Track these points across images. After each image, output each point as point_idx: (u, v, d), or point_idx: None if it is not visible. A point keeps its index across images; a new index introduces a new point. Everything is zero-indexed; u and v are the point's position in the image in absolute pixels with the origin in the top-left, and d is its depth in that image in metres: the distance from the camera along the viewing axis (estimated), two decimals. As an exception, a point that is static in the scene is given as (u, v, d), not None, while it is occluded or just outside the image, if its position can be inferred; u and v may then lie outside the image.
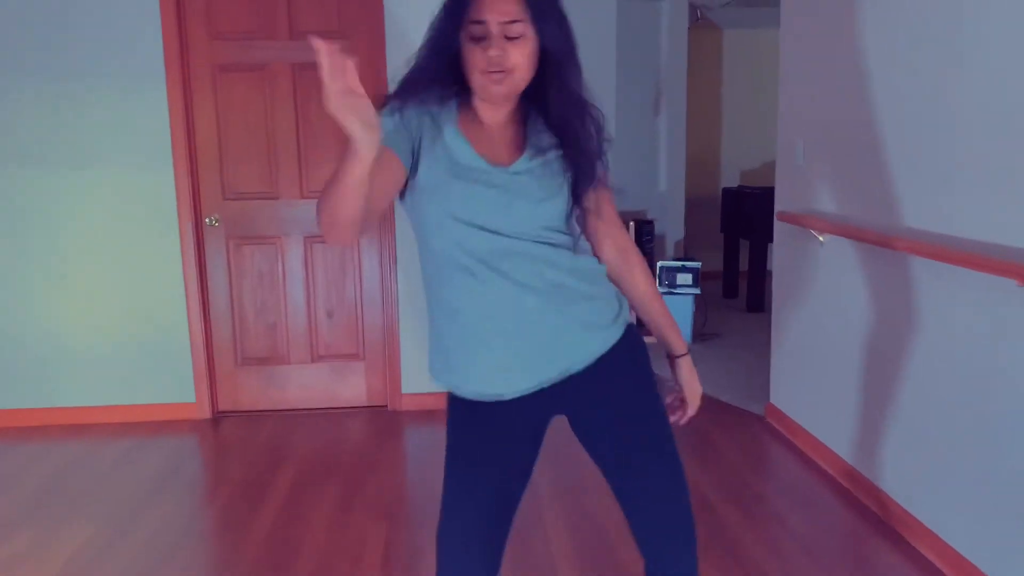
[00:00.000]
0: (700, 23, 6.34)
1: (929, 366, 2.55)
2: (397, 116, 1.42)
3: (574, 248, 1.51)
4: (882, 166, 2.77)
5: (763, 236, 5.80)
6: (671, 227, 5.95)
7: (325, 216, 1.26)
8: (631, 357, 1.57)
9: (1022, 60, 2.07)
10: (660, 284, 5.15)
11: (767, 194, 5.90)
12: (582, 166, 1.49)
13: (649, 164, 5.86)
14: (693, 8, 5.98)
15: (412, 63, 1.45)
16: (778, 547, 2.68)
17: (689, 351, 1.67)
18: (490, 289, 1.44)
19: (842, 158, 3.08)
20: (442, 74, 1.44)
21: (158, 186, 3.87)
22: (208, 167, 3.94)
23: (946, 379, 2.46)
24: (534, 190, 1.45)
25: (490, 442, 1.54)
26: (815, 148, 3.32)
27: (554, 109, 1.48)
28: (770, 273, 5.18)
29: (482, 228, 1.42)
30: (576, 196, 1.49)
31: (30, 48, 3.72)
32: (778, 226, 3.69)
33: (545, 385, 1.50)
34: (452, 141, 1.44)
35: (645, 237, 5.47)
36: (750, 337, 5.24)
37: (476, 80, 1.41)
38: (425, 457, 3.59)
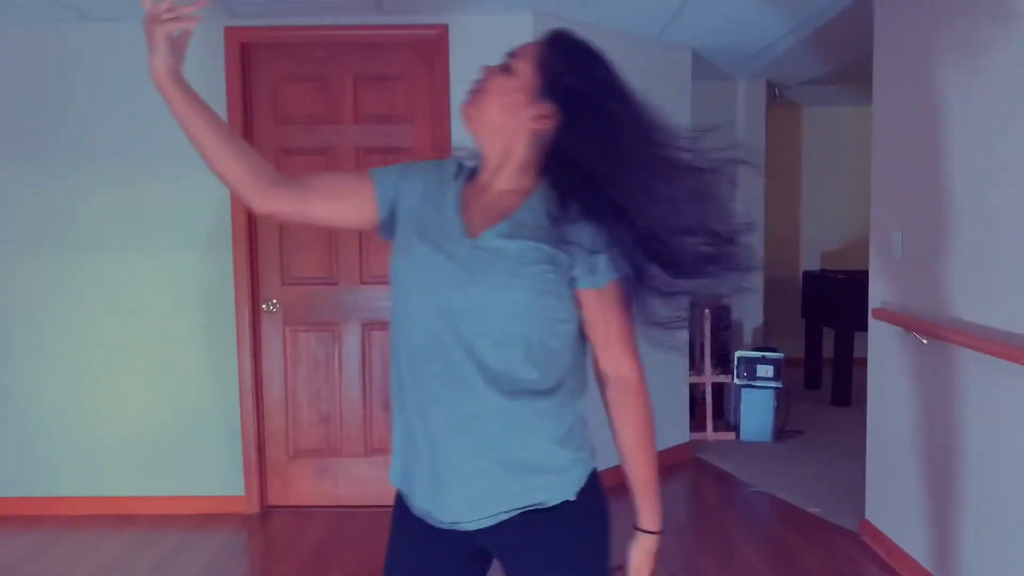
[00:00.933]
0: (780, 101, 6.11)
1: (1066, 501, 2.18)
2: (402, 169, 1.41)
3: (538, 386, 1.26)
4: (997, 265, 2.45)
5: (850, 324, 5.43)
6: (748, 312, 5.62)
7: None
8: (566, 533, 1.30)
9: None
10: (738, 376, 4.81)
11: (853, 279, 5.55)
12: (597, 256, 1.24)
13: (725, 247, 5.60)
14: (771, 87, 5.77)
15: None
16: None
17: (658, 533, 1.34)
18: (418, 393, 1.29)
19: (950, 253, 2.76)
20: None
21: (217, 270, 3.79)
22: (268, 251, 3.85)
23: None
24: (494, 273, 1.24)
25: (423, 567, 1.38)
26: (916, 240, 3.01)
27: (568, 177, 1.26)
28: (857, 363, 4.82)
29: (429, 303, 1.26)
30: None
31: (94, 132, 3.73)
32: (874, 323, 3.35)
33: (467, 528, 1.29)
34: (446, 199, 1.34)
35: (721, 324, 5.16)
36: (838, 436, 4.82)
37: None
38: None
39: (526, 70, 1.29)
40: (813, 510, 3.76)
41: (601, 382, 1.34)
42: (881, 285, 3.32)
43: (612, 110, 1.24)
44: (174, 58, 1.37)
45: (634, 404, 1.31)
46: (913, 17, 3.00)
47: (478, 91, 1.32)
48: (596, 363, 1.34)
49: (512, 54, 1.32)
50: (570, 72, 1.26)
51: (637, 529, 1.34)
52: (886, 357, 3.28)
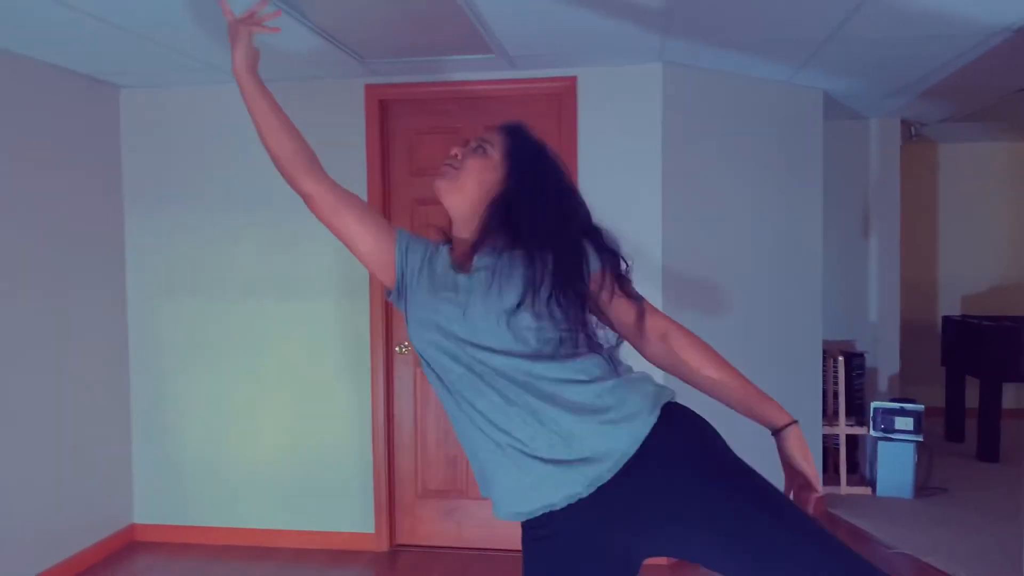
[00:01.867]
0: (915, 139, 5.87)
1: None
2: (411, 236, 1.72)
3: (557, 352, 1.49)
4: None
5: (997, 373, 5.11)
6: (884, 360, 5.36)
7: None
8: (684, 435, 1.50)
9: None
10: (875, 427, 4.59)
11: (1002, 326, 5.22)
12: (543, 257, 1.52)
13: (859, 290, 5.37)
14: (906, 125, 5.55)
15: None
16: None
17: (795, 421, 1.50)
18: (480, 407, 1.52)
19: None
20: None
21: (353, 315, 3.96)
22: (401, 297, 4.00)
23: None
24: (485, 284, 1.52)
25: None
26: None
27: (523, 224, 1.58)
28: (1005, 415, 4.50)
29: (455, 337, 1.52)
30: (536, 285, 1.48)
31: (242, 184, 3.99)
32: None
33: (584, 493, 1.45)
34: (440, 258, 1.66)
35: (855, 371, 4.95)
36: (986, 494, 4.52)
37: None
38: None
39: (495, 154, 1.64)
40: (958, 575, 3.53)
41: (654, 356, 1.59)
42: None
43: (545, 183, 1.64)
44: (253, 55, 1.72)
45: (688, 340, 1.56)
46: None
47: (458, 169, 1.64)
48: (641, 351, 1.60)
49: (483, 140, 1.66)
50: (526, 158, 1.65)
51: (777, 431, 1.51)
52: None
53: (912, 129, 5.64)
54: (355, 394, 3.98)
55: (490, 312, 1.49)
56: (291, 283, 4.00)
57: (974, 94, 4.59)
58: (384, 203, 3.95)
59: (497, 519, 1.59)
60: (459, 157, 1.66)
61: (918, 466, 4.60)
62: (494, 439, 1.49)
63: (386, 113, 3.95)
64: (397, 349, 4.01)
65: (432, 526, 4.03)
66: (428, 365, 1.60)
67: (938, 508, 4.40)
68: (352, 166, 3.92)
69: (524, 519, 1.54)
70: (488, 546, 3.96)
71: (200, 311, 4.07)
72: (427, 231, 3.88)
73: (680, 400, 1.57)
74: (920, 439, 4.54)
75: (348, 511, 4.01)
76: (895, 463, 4.54)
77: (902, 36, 3.35)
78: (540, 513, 1.50)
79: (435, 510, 4.03)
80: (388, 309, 3.98)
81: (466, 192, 1.62)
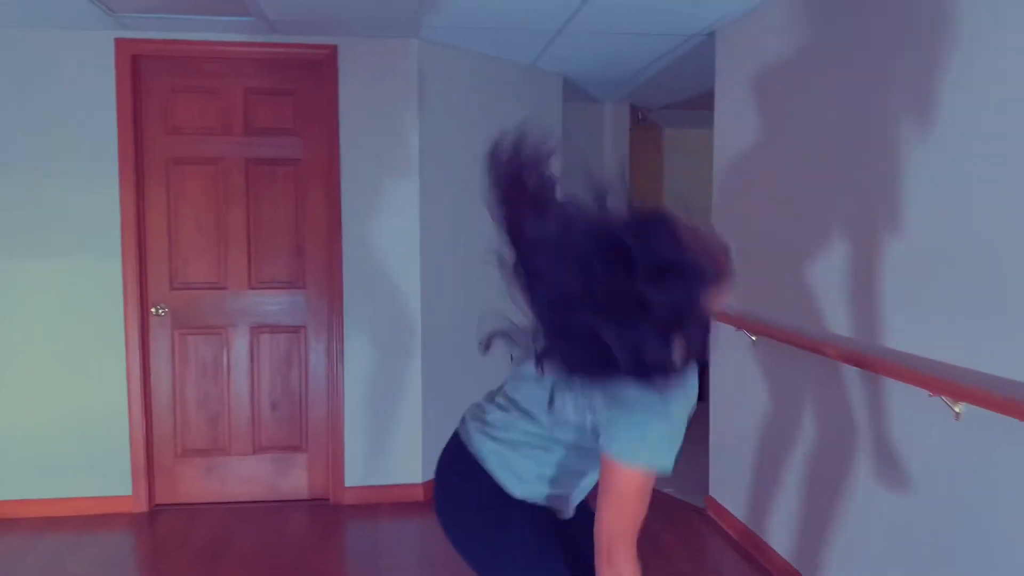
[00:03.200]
0: (641, 124, 6.65)
1: (853, 465, 2.67)
2: None
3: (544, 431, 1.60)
4: (806, 273, 2.95)
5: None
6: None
7: None
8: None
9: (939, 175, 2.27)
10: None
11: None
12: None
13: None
14: (634, 110, 6.29)
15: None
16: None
17: None
18: None
19: (771, 262, 3.26)
20: None
21: (106, 275, 3.87)
22: (157, 257, 3.96)
23: (866, 476, 2.58)
24: None
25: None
26: (746, 252, 3.50)
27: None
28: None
29: None
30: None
31: (-18, 138, 3.74)
32: (718, 324, 3.84)
33: None
34: None
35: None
36: (699, 429, 5.32)
37: None
38: (365, 549, 3.57)
39: None
40: (667, 491, 4.22)
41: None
42: (721, 291, 3.81)
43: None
44: None
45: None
46: (744, 60, 3.51)
47: None
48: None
49: None
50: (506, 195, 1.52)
51: None
52: (725, 354, 3.77)
53: (639, 114, 6.39)
54: (109, 357, 3.90)
55: None
56: (36, 242, 3.82)
57: (681, 87, 5.34)
58: (136, 162, 3.87)
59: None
60: None
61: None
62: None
63: (139, 69, 3.87)
64: (153, 311, 3.97)
65: (193, 484, 4.07)
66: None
67: (653, 440, 5.16)
68: (102, 123, 3.81)
69: None
70: (249, 499, 4.08)
71: (-78, 272, 3.76)
72: (183, 190, 3.87)
73: None
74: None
75: (103, 476, 3.93)
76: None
77: (620, 32, 3.88)
78: None
79: (196, 468, 4.07)
80: (143, 270, 3.93)
81: None
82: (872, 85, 2.56)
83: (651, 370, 1.29)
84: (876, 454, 2.54)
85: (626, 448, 1.41)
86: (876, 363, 2.43)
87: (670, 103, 6.28)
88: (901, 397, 2.40)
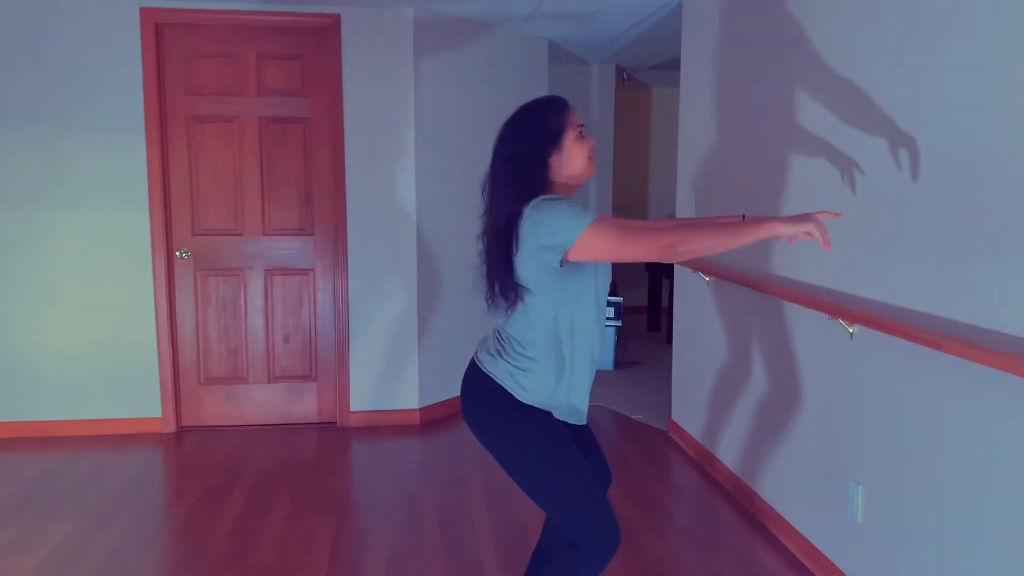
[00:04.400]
0: (627, 84, 7.02)
1: (789, 390, 3.15)
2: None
3: None
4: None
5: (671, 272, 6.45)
6: (600, 266, 6.55)
7: (691, 251, 1.81)
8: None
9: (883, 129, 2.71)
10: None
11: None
12: None
13: (580, 209, 6.50)
14: (620, 70, 6.66)
15: (518, 168, 1.96)
16: (667, 539, 3.23)
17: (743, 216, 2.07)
18: (586, 343, 2.03)
19: (726, 211, 3.71)
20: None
21: (135, 222, 4.33)
22: (180, 206, 4.41)
23: (803, 400, 3.07)
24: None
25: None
26: (706, 202, 3.95)
27: None
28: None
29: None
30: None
31: (19, 97, 4.17)
32: (676, 268, 4.31)
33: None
34: None
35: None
36: (665, 366, 5.84)
37: (581, 166, 1.98)
38: (368, 465, 4.08)
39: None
40: (636, 417, 4.73)
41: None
42: (685, 238, 4.26)
43: None
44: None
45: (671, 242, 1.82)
46: (711, 25, 3.91)
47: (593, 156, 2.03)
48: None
49: (581, 124, 2.00)
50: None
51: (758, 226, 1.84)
52: (685, 294, 4.24)
53: (624, 74, 6.76)
54: (139, 295, 4.38)
55: None
56: (72, 195, 4.26)
57: (665, 48, 5.72)
58: (161, 120, 4.30)
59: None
60: (591, 146, 2.01)
61: (618, 345, 5.83)
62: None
63: (161, 36, 4.28)
64: (178, 254, 4.43)
65: (215, 409, 4.58)
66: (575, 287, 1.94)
67: (630, 375, 5.67)
68: (129, 85, 4.23)
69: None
70: (265, 422, 4.60)
71: (-28, 218, 4.22)
72: (203, 146, 4.28)
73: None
74: (619, 324, 5.75)
75: (135, 400, 4.44)
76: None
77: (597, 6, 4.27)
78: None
79: (217, 394, 4.57)
80: (168, 218, 4.39)
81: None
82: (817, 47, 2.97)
83: (528, 186, 1.94)
84: (789, 371, 3.02)
85: (564, 228, 1.83)
86: (796, 296, 2.89)
87: (657, 63, 6.65)
88: (811, 322, 2.86)
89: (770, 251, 3.22)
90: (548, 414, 2.02)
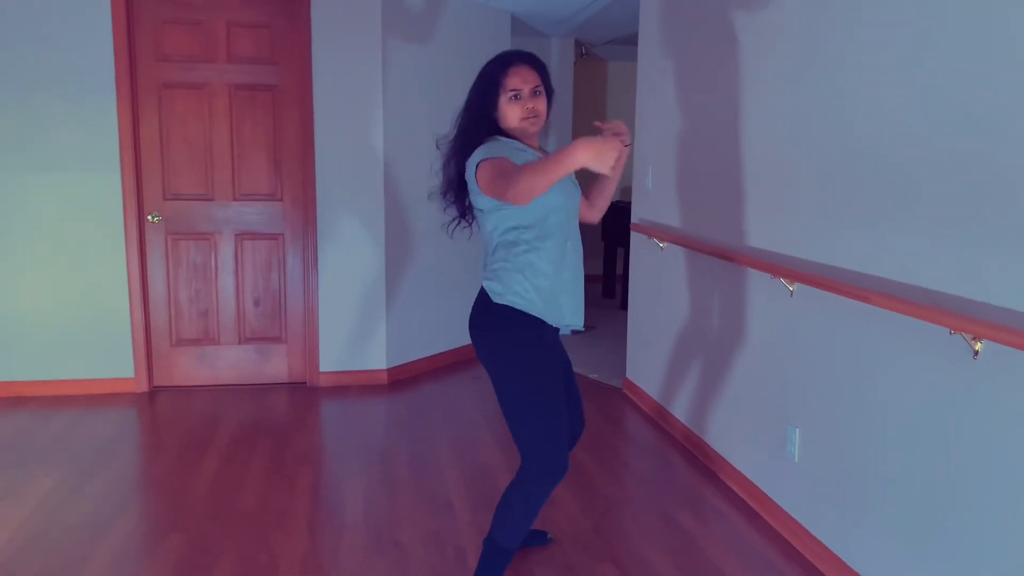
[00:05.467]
0: (586, 58, 7.22)
1: (736, 345, 3.43)
2: (511, 154, 2.21)
3: None
4: (700, 188, 3.65)
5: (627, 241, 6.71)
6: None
7: (525, 190, 1.93)
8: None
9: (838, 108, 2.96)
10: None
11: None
12: None
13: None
14: (578, 44, 6.85)
15: (466, 120, 2.32)
16: (623, 483, 3.49)
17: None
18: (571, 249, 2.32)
19: (674, 180, 3.95)
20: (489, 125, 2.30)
21: (106, 187, 4.40)
22: (151, 171, 4.50)
23: (748, 353, 3.34)
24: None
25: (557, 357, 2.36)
26: (661, 173, 4.19)
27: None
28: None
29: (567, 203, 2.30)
30: None
31: (-9, 61, 4.20)
32: (633, 235, 4.56)
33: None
34: (531, 155, 2.29)
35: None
36: (620, 329, 6.13)
37: (514, 123, 2.27)
38: (338, 420, 4.27)
39: (542, 88, 2.32)
40: (593, 376, 5.00)
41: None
42: (638, 207, 4.51)
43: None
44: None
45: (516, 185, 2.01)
46: (669, 0, 4.12)
47: (537, 116, 2.30)
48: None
49: (535, 86, 2.28)
50: (549, 81, 2.37)
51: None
52: (640, 260, 4.49)
53: (582, 48, 6.95)
54: (111, 257, 4.46)
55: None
56: (43, 158, 4.32)
57: (623, 23, 5.92)
58: (132, 86, 4.37)
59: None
60: (533, 108, 2.26)
61: (575, 311, 6.07)
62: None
63: (132, 2, 4.33)
64: (149, 218, 4.52)
65: (187, 369, 4.71)
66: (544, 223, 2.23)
67: (587, 339, 5.94)
68: (99, 51, 4.28)
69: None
70: (236, 382, 4.74)
71: (-59, 181, 4.25)
72: (174, 112, 4.36)
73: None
74: (577, 291, 5.99)
75: (108, 360, 4.54)
76: (559, 310, 5.97)
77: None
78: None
79: (189, 355, 4.70)
80: (139, 182, 4.47)
81: (543, 124, 2.32)
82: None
83: (476, 131, 2.29)
84: (736, 328, 3.29)
85: (471, 166, 2.21)
86: (739, 257, 3.15)
87: (614, 38, 6.85)
88: (755, 282, 3.13)
89: (722, 220, 3.47)
90: (547, 333, 2.29)
